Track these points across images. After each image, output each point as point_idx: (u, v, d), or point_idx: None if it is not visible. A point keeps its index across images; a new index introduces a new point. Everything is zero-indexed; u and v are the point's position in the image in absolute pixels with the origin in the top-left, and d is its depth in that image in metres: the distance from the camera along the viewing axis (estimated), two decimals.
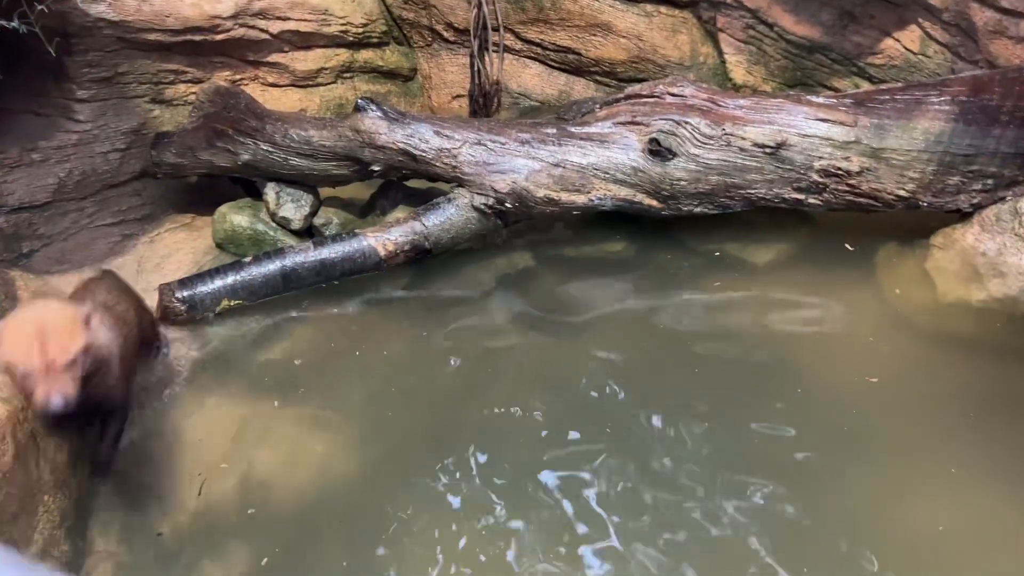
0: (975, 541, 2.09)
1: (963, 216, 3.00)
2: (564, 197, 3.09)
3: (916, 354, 2.64)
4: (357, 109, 3.19)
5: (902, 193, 2.96)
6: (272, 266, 3.09)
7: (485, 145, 3.10)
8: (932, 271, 2.96)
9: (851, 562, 2.06)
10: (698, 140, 3.02)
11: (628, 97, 3.22)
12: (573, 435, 2.54)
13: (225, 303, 3.04)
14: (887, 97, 2.97)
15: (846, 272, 3.05)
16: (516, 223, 3.27)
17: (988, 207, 2.93)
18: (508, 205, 3.08)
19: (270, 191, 3.38)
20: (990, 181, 2.91)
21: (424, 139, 3.11)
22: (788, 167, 2.99)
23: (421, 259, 3.19)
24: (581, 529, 2.24)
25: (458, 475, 2.41)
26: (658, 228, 3.32)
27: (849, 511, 2.17)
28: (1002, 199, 2.90)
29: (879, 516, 2.15)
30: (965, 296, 2.86)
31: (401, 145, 3.11)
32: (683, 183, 3.06)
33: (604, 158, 3.08)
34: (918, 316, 2.82)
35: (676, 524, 2.21)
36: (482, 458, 2.46)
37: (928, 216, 3.06)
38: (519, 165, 3.08)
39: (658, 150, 3.03)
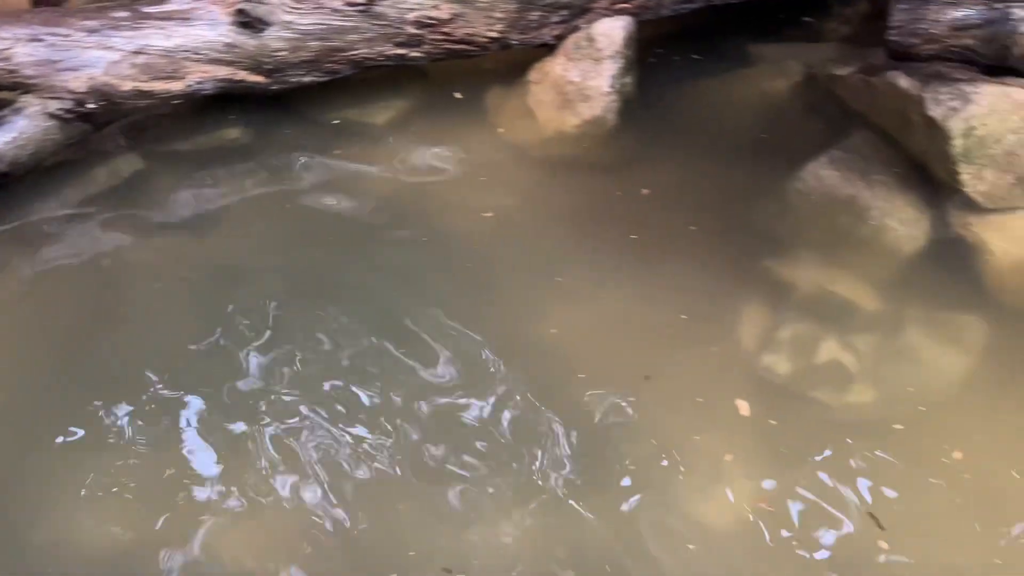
0: (588, 337, 2.35)
1: (550, 49, 3.16)
2: (157, 87, 2.78)
3: (524, 184, 2.82)
4: None
5: (493, 34, 3.05)
6: None
7: (43, 40, 2.63)
8: (533, 105, 3.12)
9: (481, 379, 2.25)
10: (289, 6, 2.83)
11: None
12: (223, 341, 2.40)
13: None
14: None
15: (461, 119, 3.11)
16: (109, 124, 2.90)
17: (569, 37, 3.12)
18: (92, 105, 2.69)
19: None
20: (565, 12, 3.09)
21: None
22: (384, 23, 2.91)
23: (1, 185, 2.74)
24: (251, 428, 2.20)
25: (100, 414, 2.19)
26: (275, 105, 3.10)
27: (481, 337, 2.33)
28: (578, 28, 3.14)
29: (502, 335, 2.34)
30: (562, 123, 3.05)
31: None
32: (284, 53, 2.87)
33: (192, 37, 2.78)
34: (525, 149, 2.98)
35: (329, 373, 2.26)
36: (123, 392, 2.25)
37: (523, 54, 3.20)
38: (93, 58, 2.68)
39: (248, 21, 2.80)
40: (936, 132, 2.58)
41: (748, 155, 2.99)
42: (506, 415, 2.20)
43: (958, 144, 2.54)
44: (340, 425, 2.22)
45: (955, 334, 2.45)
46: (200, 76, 2.81)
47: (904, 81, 2.69)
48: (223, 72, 2.84)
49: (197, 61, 2.80)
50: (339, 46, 2.93)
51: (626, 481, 2.07)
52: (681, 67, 3.30)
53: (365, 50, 2.97)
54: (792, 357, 2.41)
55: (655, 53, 3.30)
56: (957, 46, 2.78)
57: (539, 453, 2.12)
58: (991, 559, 1.85)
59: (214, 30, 2.79)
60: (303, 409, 2.24)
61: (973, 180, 2.56)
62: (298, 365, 2.35)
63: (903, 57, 2.86)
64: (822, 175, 2.78)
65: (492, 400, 2.26)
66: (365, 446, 2.17)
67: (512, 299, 2.46)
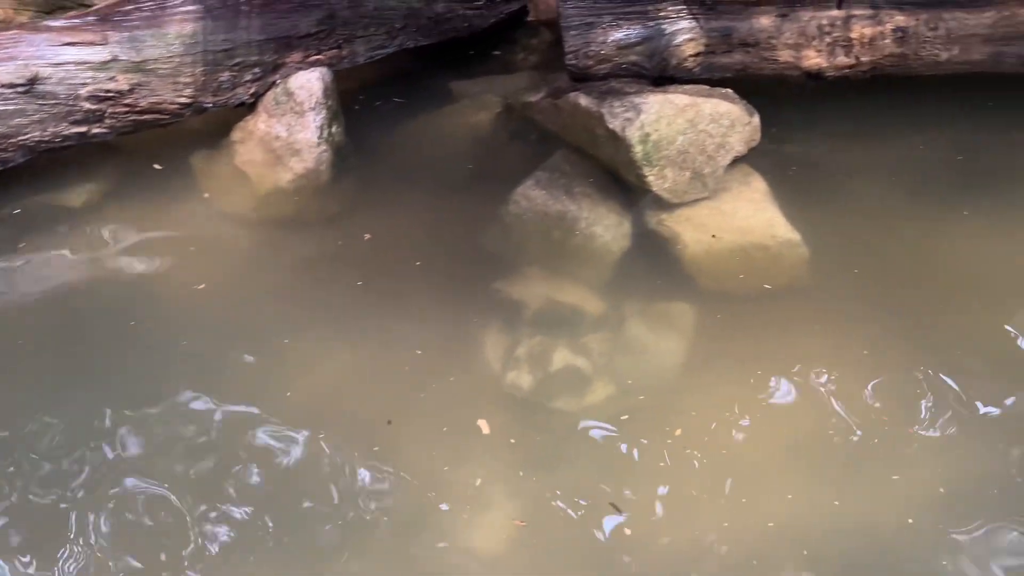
0: (326, 395, 2.28)
1: (251, 108, 3.08)
2: None
3: (240, 248, 2.71)
4: None
5: (183, 100, 2.91)
6: None
7: None
8: (242, 166, 3.01)
9: (221, 464, 2.11)
10: None
11: None
12: None
13: None
14: (132, 7, 2.82)
15: (164, 190, 2.92)
16: None
17: (267, 94, 3.05)
18: None
19: None
20: (258, 70, 3.02)
21: None
22: (54, 102, 2.68)
23: None
24: None
25: None
26: None
27: (210, 419, 2.19)
28: (275, 84, 3.07)
29: (234, 413, 2.21)
30: (275, 180, 2.97)
31: None
32: None
33: None
34: (239, 212, 2.87)
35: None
36: None
37: (224, 115, 3.08)
38: None
39: None
40: (619, 142, 2.81)
41: (463, 187, 3.08)
42: (255, 493, 2.07)
43: (638, 150, 2.78)
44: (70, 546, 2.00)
45: (668, 321, 2.66)
46: None
47: (584, 100, 2.91)
48: None
49: None
50: (4, 132, 2.64)
51: (387, 526, 2.02)
52: (387, 111, 3.34)
53: (37, 133, 2.70)
54: (532, 370, 2.49)
55: (360, 100, 3.33)
56: (626, 63, 3.06)
57: (295, 522, 2.01)
58: (720, 523, 1.99)
59: None
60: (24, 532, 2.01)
61: (658, 180, 2.81)
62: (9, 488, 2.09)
63: (583, 78, 3.09)
64: (531, 195, 2.92)
65: (243, 480, 2.12)
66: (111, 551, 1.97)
67: (239, 372, 2.34)
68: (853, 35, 3.03)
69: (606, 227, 2.87)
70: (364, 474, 2.08)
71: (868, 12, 3.04)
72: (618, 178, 2.94)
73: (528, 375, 2.48)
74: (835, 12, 3.02)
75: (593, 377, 2.49)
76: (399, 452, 2.11)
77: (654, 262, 2.79)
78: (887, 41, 3.03)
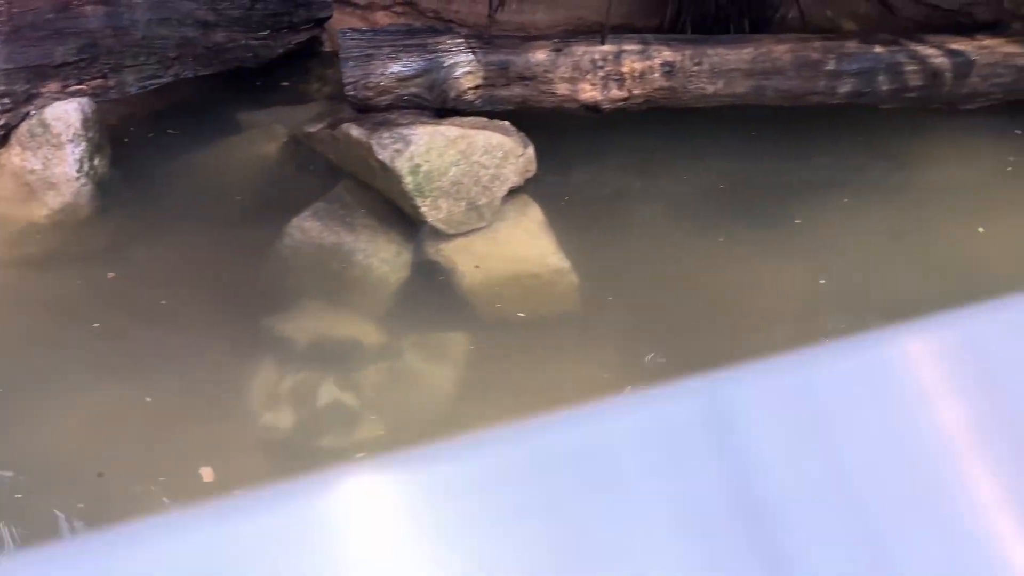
0: (37, 453, 2.07)
1: (3, 140, 2.84)
2: None
3: None
4: None
5: None
6: None
7: None
8: None
9: None
10: None
11: None
12: None
13: None
14: None
15: None
16: None
17: (20, 126, 2.82)
18: None
19: None
20: (7, 100, 2.79)
21: None
22: None
23: None
24: None
25: None
26: None
27: None
28: (29, 115, 2.85)
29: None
30: (30, 217, 2.76)
31: None
32: None
33: None
34: None
35: None
36: None
37: None
38: None
39: None
40: (389, 173, 2.75)
41: (241, 220, 2.93)
42: None
43: (409, 181, 2.72)
44: None
45: (443, 351, 2.60)
46: None
47: (356, 131, 2.83)
48: None
49: None
50: None
51: None
52: (166, 142, 3.17)
53: None
54: (295, 409, 2.37)
55: (133, 132, 3.13)
56: (407, 95, 3.02)
57: None
58: None
59: None
60: None
61: (432, 211, 2.76)
62: None
63: (365, 109, 3.02)
64: (306, 227, 2.81)
65: None
66: None
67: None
68: (624, 69, 3.10)
69: (384, 258, 2.79)
70: (62, 530, 1.89)
71: (637, 48, 3.13)
72: (397, 209, 2.89)
73: (290, 414, 2.36)
74: (606, 47, 3.10)
75: (362, 413, 2.40)
76: (106, 506, 1.94)
77: (433, 292, 2.74)
78: (656, 75, 3.12)
